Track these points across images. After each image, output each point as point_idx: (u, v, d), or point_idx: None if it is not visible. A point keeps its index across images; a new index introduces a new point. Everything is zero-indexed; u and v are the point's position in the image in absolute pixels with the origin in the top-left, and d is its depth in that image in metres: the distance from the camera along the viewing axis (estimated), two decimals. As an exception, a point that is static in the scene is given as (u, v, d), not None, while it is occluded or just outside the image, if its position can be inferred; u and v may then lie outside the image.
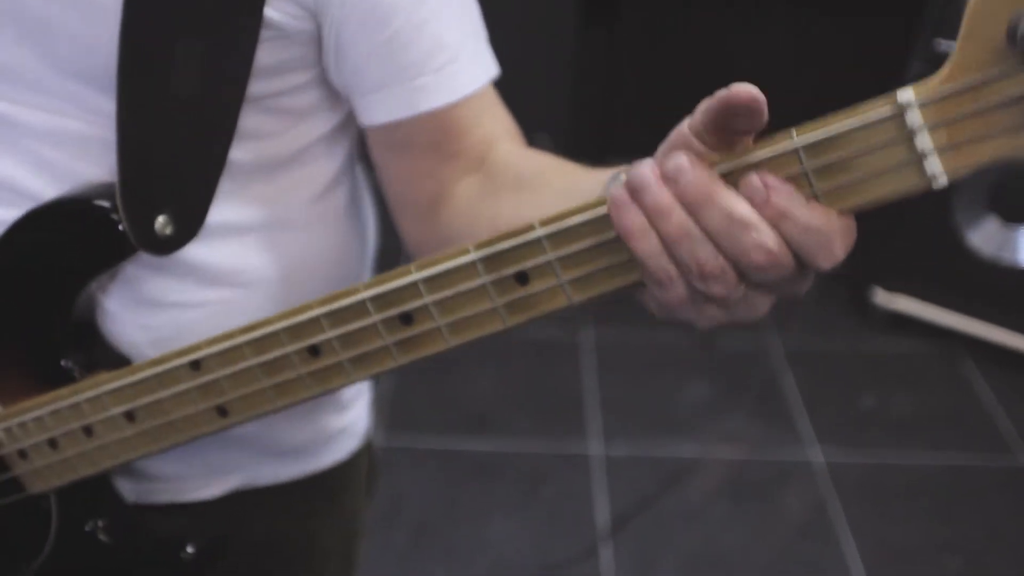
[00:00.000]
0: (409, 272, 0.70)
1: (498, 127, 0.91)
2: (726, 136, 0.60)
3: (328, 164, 0.94)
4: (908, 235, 2.81)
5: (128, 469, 0.96)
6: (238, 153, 0.85)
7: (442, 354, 0.73)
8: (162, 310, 0.89)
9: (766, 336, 3.16)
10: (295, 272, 0.93)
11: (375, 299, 0.71)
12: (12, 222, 0.84)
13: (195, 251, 0.86)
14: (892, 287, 3.12)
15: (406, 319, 0.71)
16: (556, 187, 0.81)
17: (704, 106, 0.60)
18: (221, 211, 0.86)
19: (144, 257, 0.85)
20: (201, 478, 1.01)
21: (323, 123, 0.92)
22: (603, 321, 3.17)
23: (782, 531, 2.51)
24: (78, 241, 0.83)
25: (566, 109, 3.42)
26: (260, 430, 0.97)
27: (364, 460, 1.15)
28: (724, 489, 2.63)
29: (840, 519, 2.51)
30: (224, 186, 0.85)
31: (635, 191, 0.61)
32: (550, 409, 2.87)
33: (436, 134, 0.88)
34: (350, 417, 1.10)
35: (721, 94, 0.58)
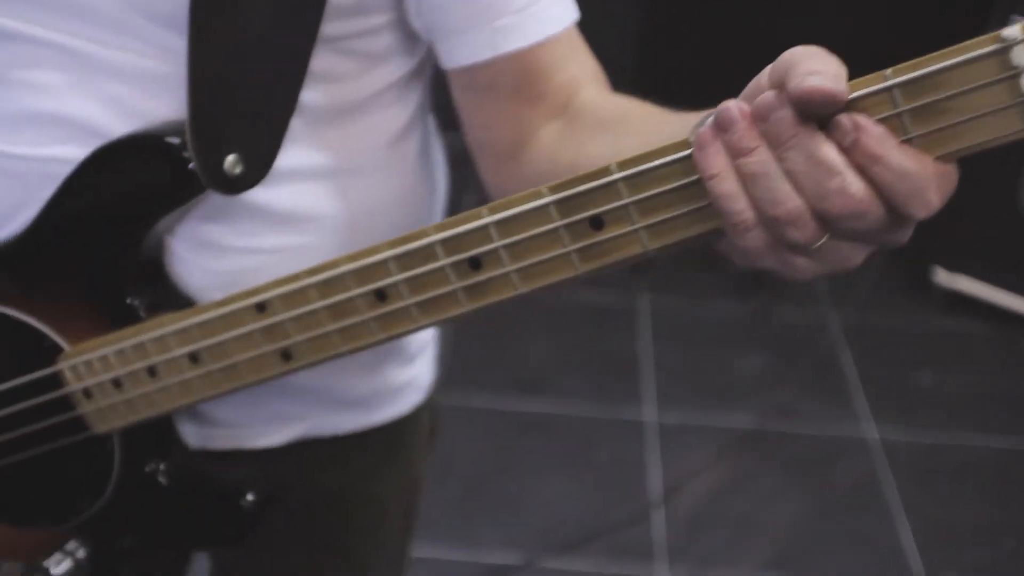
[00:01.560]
0: (480, 215, 0.69)
1: (583, 71, 0.90)
2: None
3: (400, 111, 0.93)
4: (971, 215, 2.75)
5: (192, 413, 0.96)
6: (311, 95, 0.84)
7: (509, 303, 0.72)
8: (227, 254, 0.88)
9: (823, 310, 3.12)
10: (363, 220, 0.92)
11: (444, 242, 0.70)
12: (82, 160, 0.83)
13: (263, 194, 0.86)
14: (953, 267, 3.07)
15: (475, 264, 0.70)
16: (641, 131, 0.79)
17: (778, 73, 0.58)
18: (291, 154, 0.85)
19: (212, 200, 0.84)
20: (264, 425, 1.00)
21: (397, 68, 0.91)
22: (659, 289, 3.15)
23: (834, 505, 2.48)
24: (148, 178, 0.83)
25: (629, 76, 3.38)
26: (325, 380, 0.97)
27: (427, 416, 1.15)
28: (777, 461, 2.60)
29: (893, 496, 2.48)
30: (295, 129, 0.84)
31: (720, 128, 0.59)
32: (605, 374, 2.86)
33: (519, 77, 0.87)
34: (415, 370, 1.09)
35: (799, 89, 0.56)
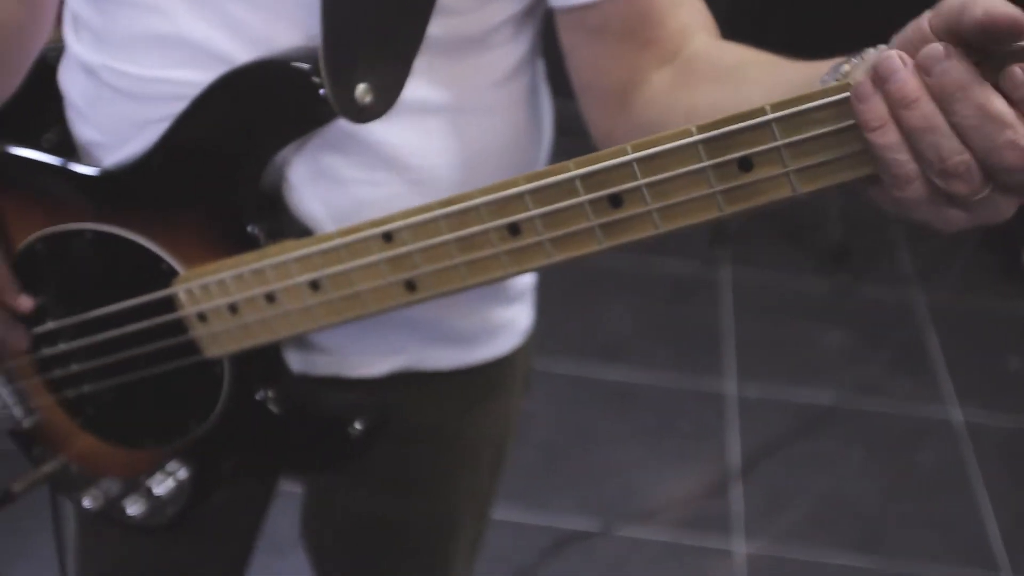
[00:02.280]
0: (624, 152, 0.67)
1: (695, 18, 0.89)
2: (971, 49, 0.56)
3: (513, 49, 0.92)
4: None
5: (296, 339, 0.95)
6: (432, 27, 0.83)
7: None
8: (342, 186, 0.88)
9: (910, 289, 3.06)
10: (473, 158, 0.91)
11: (585, 178, 0.69)
12: (208, 83, 0.83)
13: (381, 128, 0.85)
14: (1045, 250, 3.01)
15: (615, 201, 0.69)
16: (760, 79, 0.78)
17: (947, 13, 0.56)
18: (410, 88, 0.84)
19: (332, 130, 0.84)
20: (366, 355, 1.00)
21: (513, 4, 0.89)
22: (741, 261, 3.11)
23: (916, 486, 2.45)
24: (277, 105, 0.82)
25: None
26: (429, 313, 0.96)
27: (523, 360, 1.14)
28: (859, 439, 2.57)
29: (977, 481, 2.44)
30: (416, 62, 0.83)
31: (881, 79, 0.57)
32: (685, 344, 2.84)
33: (631, 20, 0.86)
34: (515, 312, 1.08)
35: (977, 16, 0.53)
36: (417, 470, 1.11)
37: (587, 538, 2.30)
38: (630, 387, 2.68)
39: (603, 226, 0.70)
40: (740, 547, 2.28)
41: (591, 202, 0.69)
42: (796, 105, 0.62)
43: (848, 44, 0.68)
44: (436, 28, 0.83)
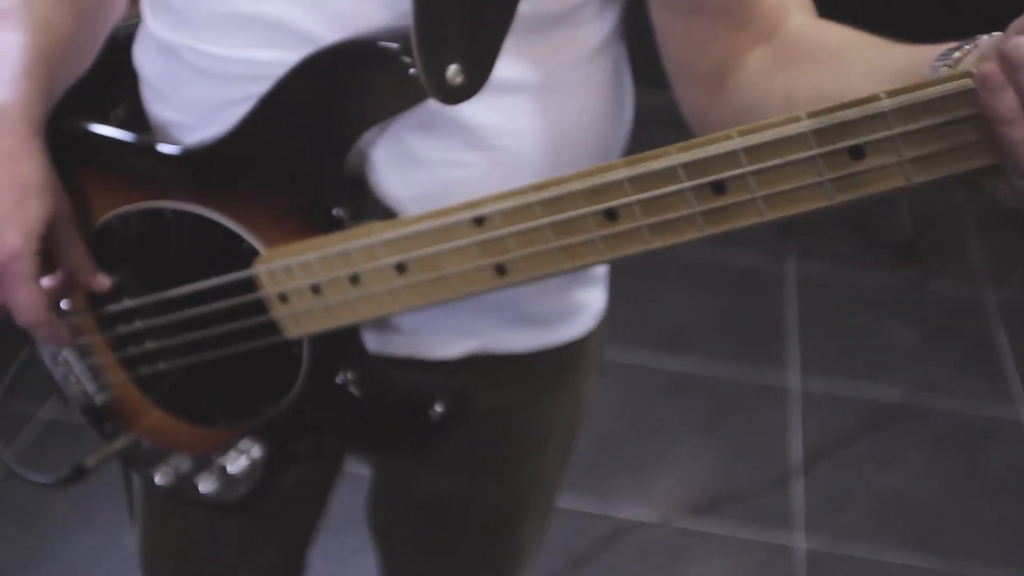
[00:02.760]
0: (729, 137, 0.65)
1: None
2: None
3: (598, 27, 0.90)
4: None
5: (375, 320, 0.95)
6: (521, 4, 0.82)
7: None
8: (428, 167, 0.87)
9: (981, 287, 3.01)
10: (559, 139, 0.89)
11: (688, 165, 0.67)
12: (295, 63, 0.82)
13: (468, 108, 0.83)
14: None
15: (719, 188, 0.67)
16: (862, 62, 0.76)
17: None
18: (497, 67, 0.83)
19: (418, 111, 0.82)
20: (444, 336, 0.99)
21: None
22: (807, 254, 3.07)
23: (980, 487, 2.40)
24: (365, 85, 0.81)
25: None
26: (506, 296, 0.95)
27: (596, 343, 1.12)
28: (923, 438, 2.52)
29: (1046, 484, 2.39)
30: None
31: (1013, 67, 0.55)
32: (748, 336, 2.81)
33: None
34: (591, 295, 1.07)
35: None
36: (487, 454, 1.10)
37: (644, 528, 2.28)
38: (691, 377, 2.66)
39: (704, 213, 0.68)
40: (800, 543, 2.25)
41: (693, 188, 0.68)
42: (912, 93, 0.60)
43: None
44: (524, 5, 0.82)
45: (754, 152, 0.65)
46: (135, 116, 0.97)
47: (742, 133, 0.65)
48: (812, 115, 0.63)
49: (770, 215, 0.66)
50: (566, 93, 0.89)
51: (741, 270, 3.00)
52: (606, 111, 0.94)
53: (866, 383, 2.66)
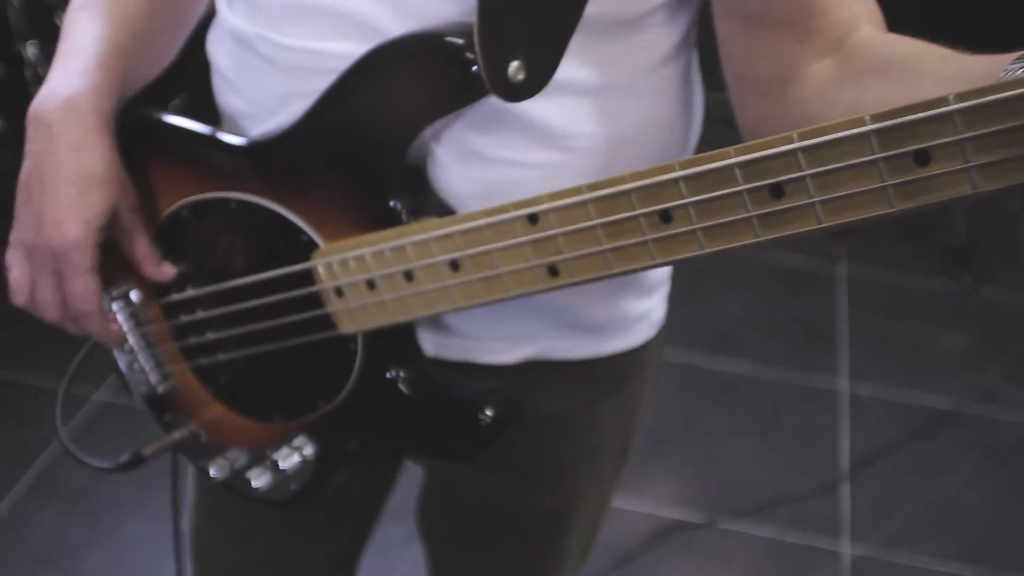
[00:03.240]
0: (790, 139, 0.64)
1: (862, 8, 0.84)
2: None
3: (666, 34, 0.89)
4: None
5: (432, 321, 0.95)
6: (589, 7, 0.81)
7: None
8: (489, 165, 0.86)
9: (1035, 294, 2.97)
10: (623, 142, 0.89)
11: (745, 166, 0.66)
12: (360, 56, 0.82)
13: (532, 107, 0.83)
14: None
15: (776, 191, 0.66)
16: (935, 72, 0.74)
17: None
18: (563, 67, 0.82)
19: (480, 108, 0.82)
20: (499, 342, 0.99)
21: None
22: (858, 258, 3.04)
23: (1033, 500, 2.37)
24: (428, 80, 0.81)
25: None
26: (565, 302, 0.95)
27: (654, 352, 1.12)
28: (973, 446, 2.49)
29: (1100, 497, 2.35)
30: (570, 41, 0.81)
31: None
32: (798, 339, 2.78)
33: (793, 8, 0.82)
34: (651, 303, 1.06)
35: None
36: (541, 461, 1.10)
37: (690, 528, 2.28)
38: (739, 379, 2.64)
39: (761, 217, 0.67)
40: (846, 548, 2.23)
41: (750, 191, 0.66)
42: (984, 95, 0.58)
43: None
44: (592, 7, 0.81)
45: (814, 154, 0.63)
46: (194, 106, 0.97)
47: (803, 136, 0.64)
48: (876, 117, 0.61)
49: (828, 221, 0.65)
50: (632, 97, 0.89)
51: (791, 272, 2.97)
52: (672, 117, 0.94)
53: (916, 389, 2.63)
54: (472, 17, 0.77)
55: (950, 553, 2.24)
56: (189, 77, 0.99)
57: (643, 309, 1.05)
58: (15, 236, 0.93)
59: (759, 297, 2.90)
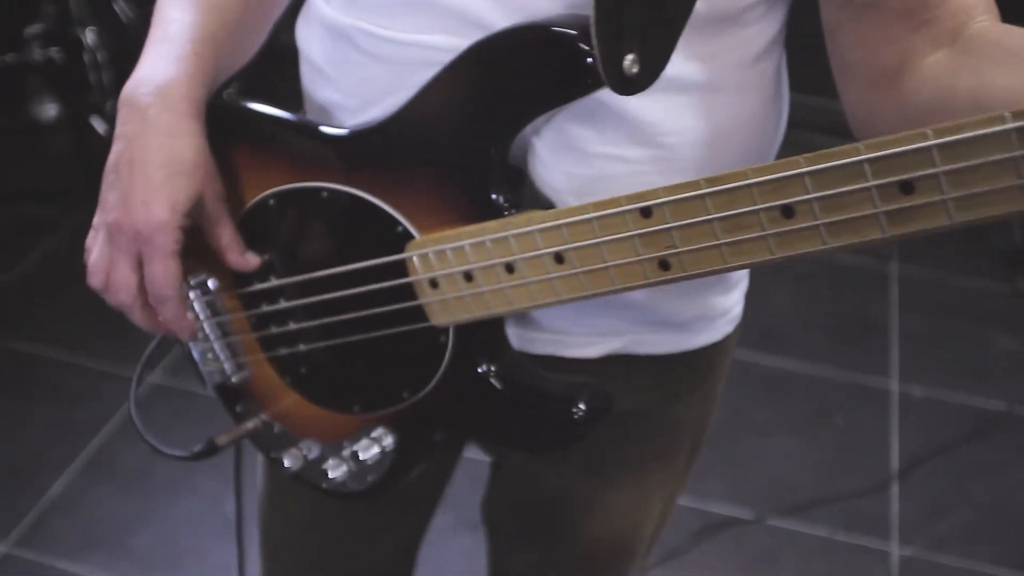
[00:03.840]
0: (924, 136, 0.63)
1: None
2: None
3: (765, 28, 0.89)
4: None
5: (518, 315, 0.94)
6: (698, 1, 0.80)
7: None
8: (589, 159, 0.86)
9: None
10: (719, 138, 0.88)
11: (875, 162, 0.65)
12: (468, 46, 0.81)
13: (635, 102, 0.82)
14: None
15: (907, 187, 0.65)
16: None
17: None
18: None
19: (584, 102, 0.81)
20: (584, 336, 0.98)
21: None
22: (910, 257, 3.01)
23: (1086, 507, 2.35)
24: (537, 72, 0.80)
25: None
26: (649, 298, 0.94)
27: (731, 350, 1.11)
28: (1027, 450, 2.47)
29: None
30: None
31: None
32: (848, 337, 2.77)
33: None
34: (732, 299, 1.06)
35: None
36: (618, 455, 1.09)
37: (739, 525, 2.27)
38: (788, 375, 2.63)
39: (889, 213, 0.66)
40: (894, 549, 2.22)
41: (879, 187, 0.65)
42: None
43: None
44: (699, 3, 0.80)
45: (950, 151, 0.62)
46: (272, 93, 0.97)
47: (938, 132, 0.62)
48: (1017, 115, 0.60)
49: (959, 218, 0.64)
50: (729, 94, 0.88)
51: (842, 269, 2.95)
52: (765, 114, 0.93)
53: (967, 391, 2.61)
54: (582, 10, 0.76)
55: (1000, 557, 2.22)
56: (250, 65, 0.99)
57: (726, 305, 1.04)
58: (98, 219, 0.92)
59: (808, 293, 2.88)
